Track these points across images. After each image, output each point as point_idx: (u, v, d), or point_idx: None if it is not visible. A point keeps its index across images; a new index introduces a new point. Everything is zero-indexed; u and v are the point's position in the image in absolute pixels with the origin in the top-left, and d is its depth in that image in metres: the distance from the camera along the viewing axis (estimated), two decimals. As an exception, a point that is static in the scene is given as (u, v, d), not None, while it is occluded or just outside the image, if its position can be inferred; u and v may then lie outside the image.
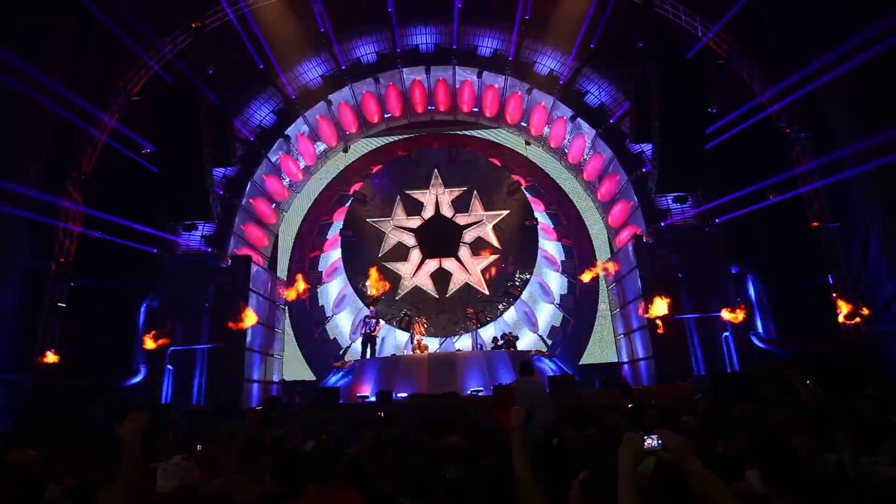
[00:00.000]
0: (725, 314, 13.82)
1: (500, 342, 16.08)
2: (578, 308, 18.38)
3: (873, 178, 12.99)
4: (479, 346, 17.04)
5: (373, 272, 17.07)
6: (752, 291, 15.09)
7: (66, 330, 14.75)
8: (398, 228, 18.44)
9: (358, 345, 16.62)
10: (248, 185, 16.83)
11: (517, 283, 17.77)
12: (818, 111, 14.68)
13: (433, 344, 17.03)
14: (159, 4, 15.98)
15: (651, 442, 2.38)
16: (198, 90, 14.24)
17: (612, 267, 17.15)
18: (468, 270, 17.87)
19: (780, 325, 14.65)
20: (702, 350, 13.98)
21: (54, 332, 14.52)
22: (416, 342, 15.88)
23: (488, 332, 17.51)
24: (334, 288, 18.98)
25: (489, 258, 18.01)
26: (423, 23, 17.50)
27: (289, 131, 17.60)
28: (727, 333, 14.05)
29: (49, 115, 14.18)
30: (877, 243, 13.40)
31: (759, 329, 14.62)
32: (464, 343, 17.57)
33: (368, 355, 15.67)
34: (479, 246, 18.15)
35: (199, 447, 5.54)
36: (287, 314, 18.63)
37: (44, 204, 14.14)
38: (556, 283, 18.77)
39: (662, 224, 15.19)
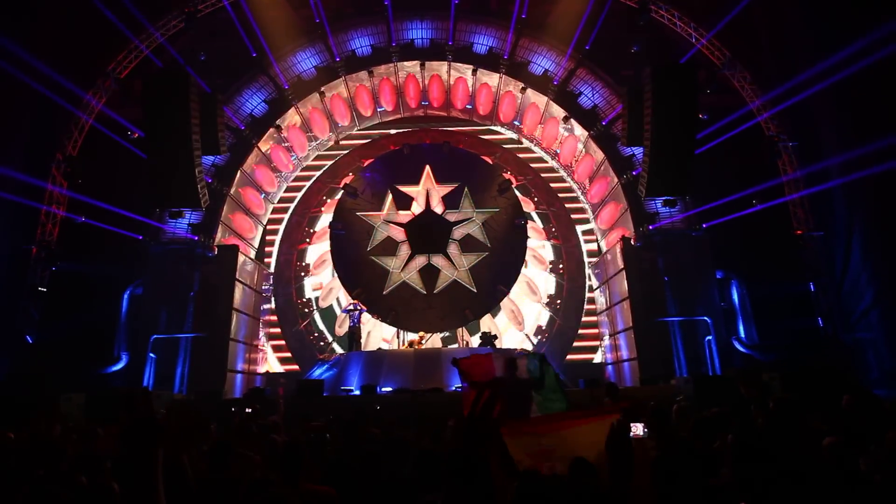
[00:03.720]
0: None
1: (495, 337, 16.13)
2: (564, 308, 18.50)
3: (857, 189, 13.25)
4: (464, 342, 17.08)
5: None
6: (735, 296, 15.31)
7: (47, 315, 14.50)
8: (388, 223, 18.36)
9: (344, 338, 16.57)
10: (238, 175, 16.66)
11: (505, 282, 17.80)
12: (807, 121, 14.90)
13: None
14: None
15: (637, 430, 2.66)
16: (189, 76, 14.04)
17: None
18: (456, 267, 17.87)
19: (762, 330, 14.90)
20: (685, 353, 14.16)
21: (33, 316, 14.27)
22: (419, 336, 15.80)
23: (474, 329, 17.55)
24: (322, 280, 18.89)
25: (478, 256, 18.03)
26: (419, 17, 17.43)
27: (280, 122, 17.44)
28: (710, 337, 14.24)
29: (34, 96, 13.89)
30: (858, 252, 13.67)
31: (741, 334, 14.85)
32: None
33: (354, 348, 15.64)
34: (468, 243, 18.12)
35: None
36: (274, 306, 18.50)
37: (27, 186, 13.87)
38: (544, 282, 18.86)
39: (651, 227, 15.32)
